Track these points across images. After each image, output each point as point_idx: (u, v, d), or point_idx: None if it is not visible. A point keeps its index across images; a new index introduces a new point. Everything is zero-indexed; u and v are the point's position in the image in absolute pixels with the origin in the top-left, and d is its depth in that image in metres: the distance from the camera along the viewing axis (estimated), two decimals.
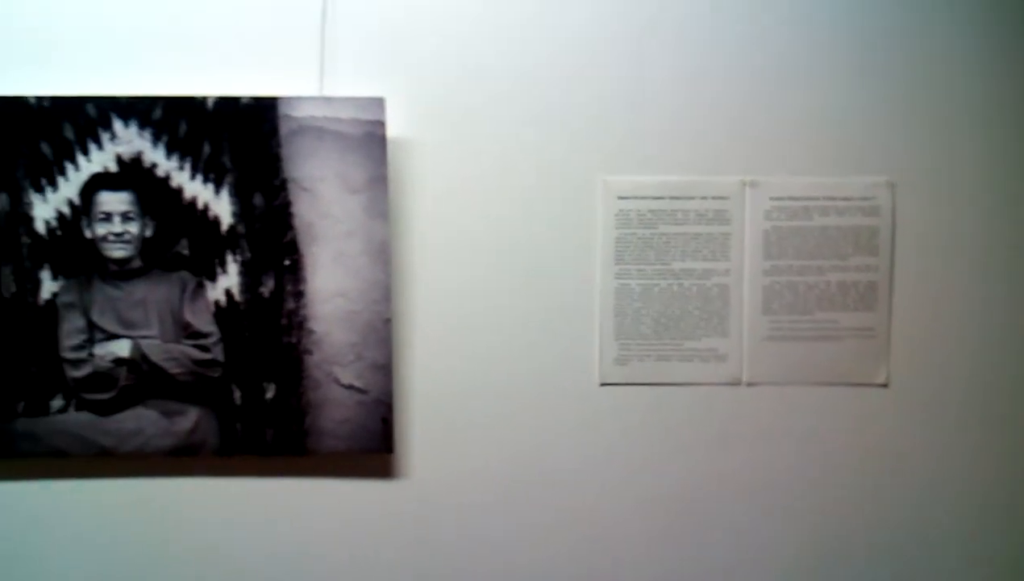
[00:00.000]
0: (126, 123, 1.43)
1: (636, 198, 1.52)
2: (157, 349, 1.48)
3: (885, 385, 1.57)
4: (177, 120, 1.44)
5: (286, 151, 1.45)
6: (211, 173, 1.46)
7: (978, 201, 1.54)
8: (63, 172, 1.44)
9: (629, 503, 1.57)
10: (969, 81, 1.53)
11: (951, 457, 1.59)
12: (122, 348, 1.48)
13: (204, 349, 1.49)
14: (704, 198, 1.52)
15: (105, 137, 1.44)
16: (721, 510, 1.57)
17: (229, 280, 1.48)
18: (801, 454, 1.57)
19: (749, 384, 1.55)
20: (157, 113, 1.44)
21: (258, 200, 1.47)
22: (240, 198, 1.46)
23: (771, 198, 1.53)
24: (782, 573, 1.59)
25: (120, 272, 1.47)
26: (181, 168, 1.45)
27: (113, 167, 1.44)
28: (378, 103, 1.45)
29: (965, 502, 1.59)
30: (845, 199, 1.54)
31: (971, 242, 1.55)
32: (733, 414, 1.56)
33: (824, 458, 1.58)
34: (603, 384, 1.55)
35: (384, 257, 1.48)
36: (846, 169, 1.54)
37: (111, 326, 1.48)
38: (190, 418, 1.50)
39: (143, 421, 1.49)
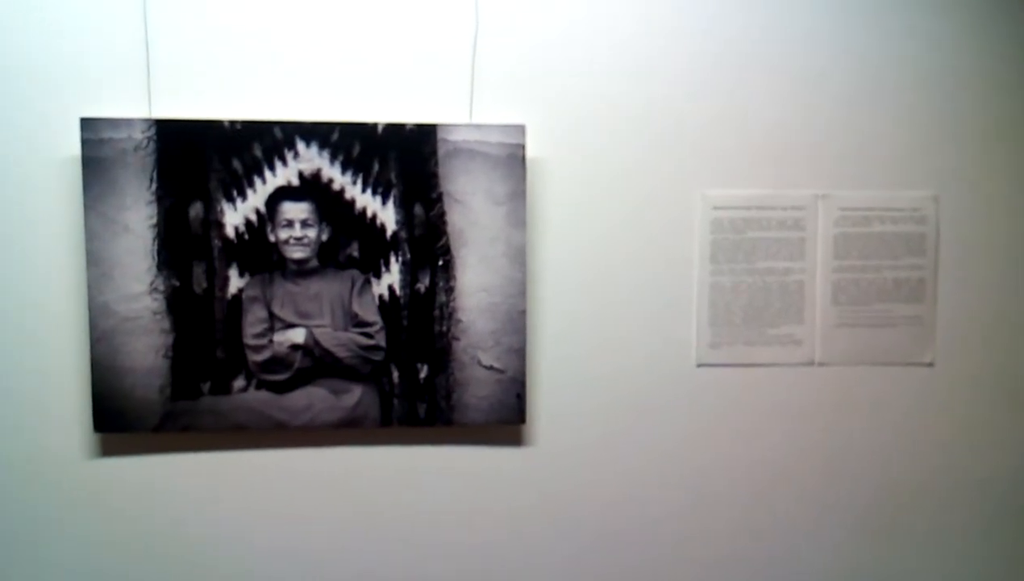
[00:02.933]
0: (308, 144, 1.69)
1: (728, 208, 1.81)
2: (328, 336, 1.73)
3: (931, 364, 1.88)
4: (352, 142, 1.70)
5: (442, 169, 1.72)
6: (379, 187, 1.71)
7: (1011, 210, 1.87)
8: (252, 185, 1.69)
9: (722, 468, 1.85)
10: (1004, 104, 1.85)
11: (984, 425, 1.90)
12: (298, 335, 1.72)
13: (368, 336, 1.74)
14: (784, 209, 1.82)
15: (289, 156, 1.69)
16: (798, 474, 1.87)
17: (391, 277, 1.74)
18: (863, 422, 1.87)
19: (821, 364, 1.85)
20: (335, 136, 1.69)
21: (418, 210, 1.73)
22: (403, 208, 1.72)
23: (839, 209, 1.83)
24: (850, 528, 1.89)
25: (299, 270, 1.72)
26: (354, 183, 1.71)
27: (295, 181, 1.69)
28: (519, 129, 1.72)
29: (990, 459, 1.91)
30: (898, 210, 1.85)
31: (1004, 244, 1.87)
32: (807, 390, 1.86)
33: (881, 426, 1.88)
34: (699, 365, 1.83)
35: (521, 258, 1.75)
36: (899, 184, 1.85)
37: (289, 317, 1.72)
38: (354, 395, 1.75)
39: (314, 398, 1.74)
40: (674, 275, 1.81)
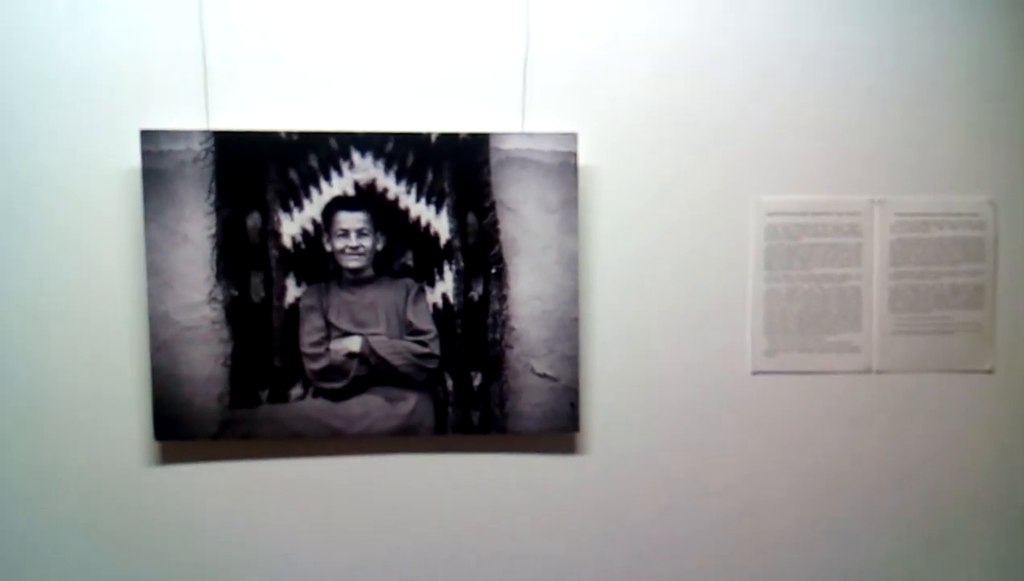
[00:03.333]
0: (363, 154, 1.70)
1: (783, 214, 1.79)
2: (384, 344, 1.74)
3: (991, 371, 1.85)
4: (406, 151, 1.71)
5: (495, 178, 1.72)
6: (433, 196, 1.72)
7: None
8: (308, 195, 1.70)
9: (777, 476, 1.84)
10: None
11: None
12: (354, 344, 1.74)
13: (423, 344, 1.75)
14: (840, 214, 1.80)
15: (345, 166, 1.70)
16: (855, 483, 1.85)
17: (445, 286, 1.74)
18: (921, 431, 1.85)
19: (878, 372, 1.83)
20: (389, 146, 1.70)
21: (471, 219, 1.73)
22: (456, 217, 1.73)
23: (896, 214, 1.81)
24: (906, 537, 1.86)
25: (354, 279, 1.73)
26: (408, 192, 1.72)
27: (351, 191, 1.71)
28: (572, 137, 1.72)
29: None
30: (956, 215, 1.82)
31: None
32: (864, 398, 1.83)
33: (939, 434, 1.85)
34: (755, 373, 1.82)
35: (574, 266, 1.74)
36: (956, 189, 1.82)
37: (345, 325, 1.74)
38: (409, 403, 1.76)
39: (369, 406, 1.75)
40: (728, 282, 1.80)
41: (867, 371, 1.83)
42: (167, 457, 1.74)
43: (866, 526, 1.86)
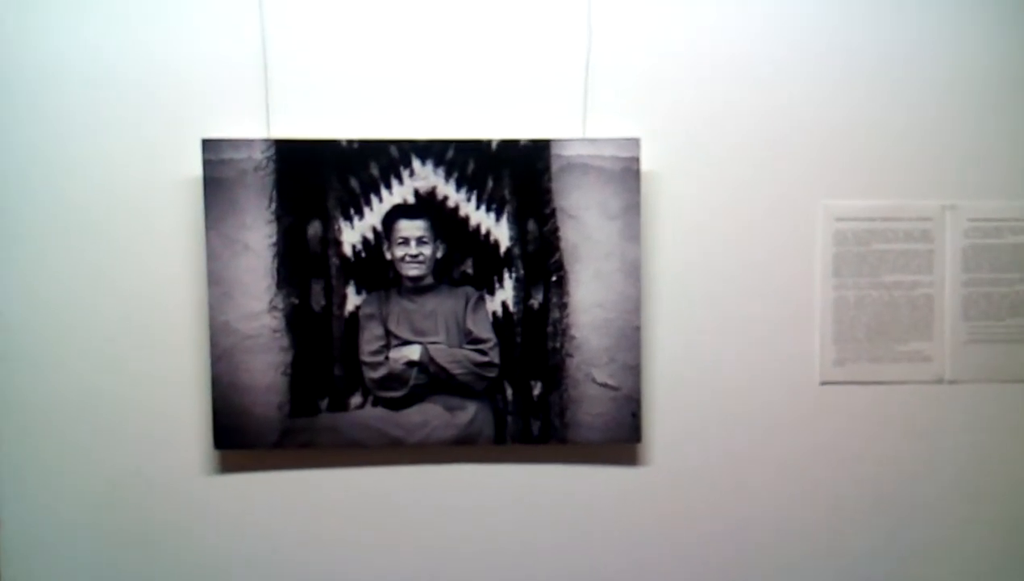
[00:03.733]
0: (423, 162, 1.69)
1: (852, 220, 1.74)
2: (443, 353, 1.72)
3: None
4: (466, 159, 1.69)
5: (556, 184, 1.70)
6: (493, 204, 1.70)
7: None
8: (368, 203, 1.70)
9: (847, 489, 1.78)
10: None
11: None
12: (414, 352, 1.72)
13: (483, 353, 1.73)
14: (910, 219, 1.75)
15: (405, 174, 1.69)
16: (929, 496, 1.79)
17: (505, 294, 1.72)
18: (996, 442, 1.78)
19: (951, 382, 1.77)
20: (450, 153, 1.69)
21: (531, 226, 1.71)
22: (517, 224, 1.71)
23: (968, 220, 1.75)
24: (986, 552, 1.79)
25: (414, 288, 1.72)
26: (468, 199, 1.70)
27: (411, 199, 1.69)
28: (634, 143, 1.69)
29: None
30: None
31: None
32: (937, 409, 1.77)
33: (1015, 446, 1.79)
34: (823, 383, 1.77)
35: (635, 274, 1.71)
36: None
37: (405, 334, 1.72)
38: (469, 412, 1.74)
39: (429, 415, 1.73)
40: (795, 289, 1.75)
41: (939, 381, 1.77)
42: (227, 466, 1.74)
43: (940, 542, 1.80)
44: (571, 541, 1.77)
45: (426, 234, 1.70)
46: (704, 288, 1.75)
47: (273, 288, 1.68)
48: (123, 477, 1.73)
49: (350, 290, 1.70)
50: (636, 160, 1.69)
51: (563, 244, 1.71)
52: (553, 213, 1.70)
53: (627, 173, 1.69)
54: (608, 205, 1.70)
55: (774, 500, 1.78)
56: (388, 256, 1.70)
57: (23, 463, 1.71)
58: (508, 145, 1.69)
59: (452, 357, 1.72)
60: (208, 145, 1.66)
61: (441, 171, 1.69)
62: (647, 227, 1.73)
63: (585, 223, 1.71)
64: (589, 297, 1.72)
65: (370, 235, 1.70)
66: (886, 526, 1.79)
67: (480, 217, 1.70)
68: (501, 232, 1.71)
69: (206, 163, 1.66)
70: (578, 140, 1.69)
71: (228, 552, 1.74)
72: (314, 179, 1.67)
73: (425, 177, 1.69)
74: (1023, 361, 1.77)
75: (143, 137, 1.69)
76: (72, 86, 1.67)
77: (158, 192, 1.69)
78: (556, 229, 1.71)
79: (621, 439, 1.73)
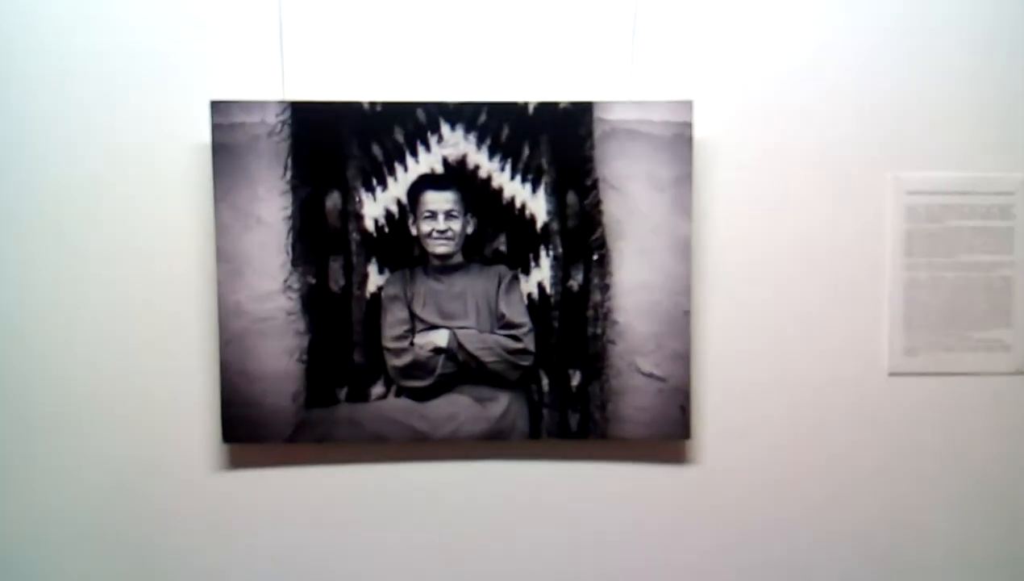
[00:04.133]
0: (453, 127, 1.53)
1: (925, 193, 1.58)
2: (473, 338, 1.57)
3: None
4: (500, 124, 1.54)
5: (599, 152, 1.54)
6: (529, 174, 1.55)
7: None
8: (392, 173, 1.54)
9: (917, 489, 1.62)
10: None
11: None
12: (441, 338, 1.57)
13: (516, 339, 1.57)
14: (989, 194, 1.58)
15: (433, 140, 1.54)
16: (1006, 496, 1.62)
17: (541, 274, 1.57)
18: None
19: None
20: (482, 117, 1.53)
21: (571, 198, 1.55)
22: (555, 197, 1.55)
23: None
24: None
25: (442, 266, 1.56)
26: (502, 169, 1.54)
27: (439, 168, 1.54)
28: (686, 106, 1.53)
29: None
30: None
31: None
32: (1016, 402, 1.61)
33: None
34: (892, 374, 1.60)
35: (686, 252, 1.55)
36: None
37: (431, 317, 1.57)
38: (501, 404, 1.58)
39: (457, 406, 1.58)
40: (862, 270, 1.59)
41: (1019, 373, 1.60)
42: (236, 461, 1.59)
43: (1019, 547, 1.63)
44: (612, 546, 1.61)
45: (455, 207, 1.55)
46: (761, 268, 1.59)
47: (288, 266, 1.53)
48: (125, 472, 1.58)
49: (372, 269, 1.55)
50: (688, 125, 1.53)
51: (606, 219, 1.55)
52: (595, 184, 1.55)
53: (678, 140, 1.54)
54: (657, 175, 1.54)
55: (835, 502, 1.62)
56: (414, 231, 1.55)
57: (19, 458, 1.56)
58: (546, 108, 1.53)
59: (483, 343, 1.57)
60: (217, 107, 1.51)
61: (472, 137, 1.53)
62: (699, 200, 1.57)
63: (631, 195, 1.55)
64: (634, 278, 1.56)
65: (394, 208, 1.55)
66: (958, 533, 1.63)
67: (515, 188, 1.55)
68: (538, 205, 1.55)
69: (215, 128, 1.51)
70: (624, 102, 1.53)
71: (237, 554, 1.59)
72: (333, 146, 1.52)
73: (455, 144, 1.54)
74: None
75: (145, 99, 1.54)
76: (69, 40, 1.52)
77: (162, 160, 1.55)
78: (598, 202, 1.55)
79: (668, 435, 1.58)
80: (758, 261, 1.59)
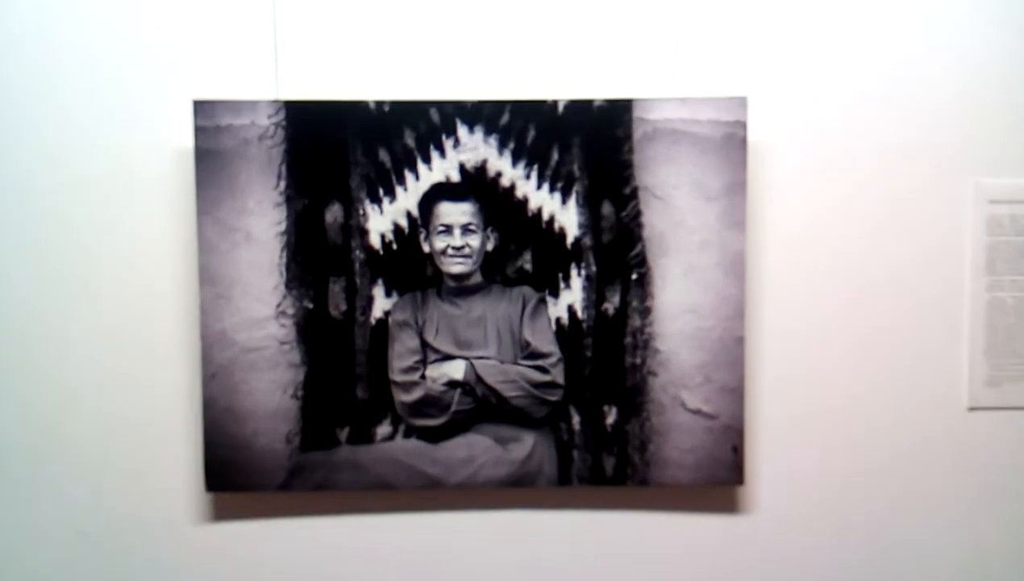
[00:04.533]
0: (471, 129, 1.34)
1: (1010, 202, 1.39)
2: (494, 370, 1.37)
3: None
4: (525, 125, 1.35)
5: (639, 157, 1.35)
6: (558, 182, 1.36)
7: None
8: (402, 181, 1.35)
9: (1002, 538, 1.42)
10: None
11: None
12: (457, 370, 1.37)
13: (543, 370, 1.38)
14: None
15: (448, 144, 1.35)
16: None
17: (572, 296, 1.37)
18: None
19: None
20: (504, 118, 1.34)
21: (607, 209, 1.36)
22: (588, 208, 1.36)
23: None
24: None
25: (458, 288, 1.37)
26: (527, 177, 1.36)
27: (456, 176, 1.35)
28: (740, 103, 1.34)
29: None
30: None
31: None
32: None
33: None
34: (971, 408, 1.41)
35: (739, 270, 1.36)
36: None
37: (446, 346, 1.38)
38: (525, 445, 1.39)
39: (475, 449, 1.38)
40: (938, 291, 1.40)
41: None
42: (221, 512, 1.39)
43: None
44: None
45: (474, 220, 1.35)
46: (823, 289, 1.40)
47: (282, 288, 1.34)
48: (92, 525, 1.38)
49: (378, 291, 1.36)
50: (742, 125, 1.34)
51: (647, 232, 1.36)
52: (634, 193, 1.36)
53: (730, 142, 1.34)
54: (705, 183, 1.35)
55: (909, 556, 1.42)
56: (426, 248, 1.36)
57: None
58: (579, 107, 1.34)
59: (505, 375, 1.37)
60: (201, 108, 1.32)
61: (493, 141, 1.34)
62: (754, 211, 1.38)
63: (675, 206, 1.36)
64: (679, 300, 1.37)
65: (404, 222, 1.36)
66: None
67: (542, 199, 1.36)
68: (568, 218, 1.36)
69: (198, 131, 1.32)
70: (668, 100, 1.35)
71: None
72: (334, 151, 1.34)
73: (474, 148, 1.35)
74: None
75: (118, 99, 1.35)
76: (33, 30, 1.33)
77: (138, 168, 1.36)
78: (638, 213, 1.36)
79: (718, 480, 1.38)
80: (820, 281, 1.40)
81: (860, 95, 1.38)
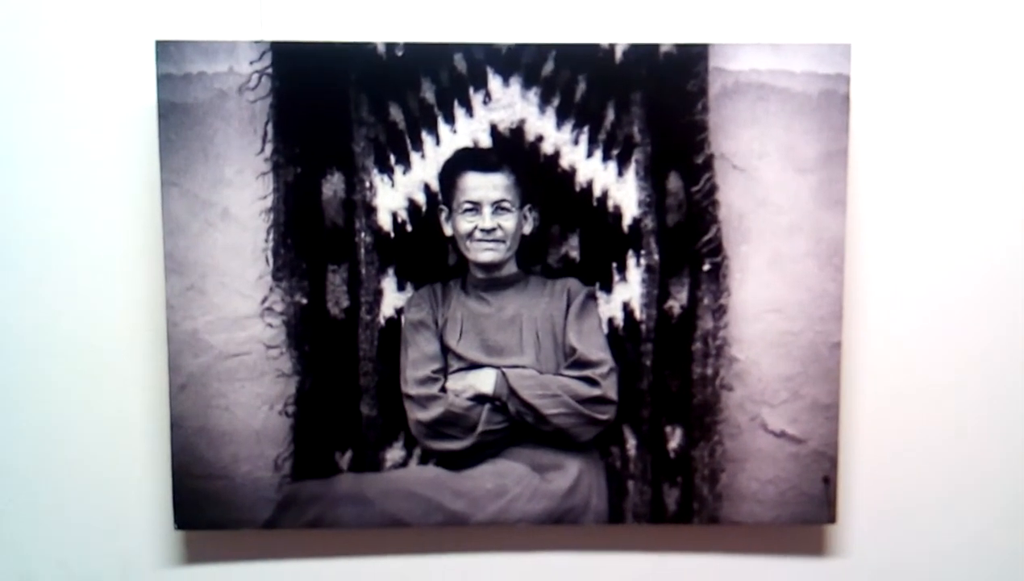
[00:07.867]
0: (506, 81, 1.08)
1: None
2: (530, 382, 1.12)
3: None
4: (573, 76, 1.08)
5: (715, 117, 1.09)
6: (614, 149, 1.10)
7: None
8: (418, 146, 1.09)
9: None
10: None
11: None
12: (485, 381, 1.12)
13: (592, 382, 1.12)
14: None
15: (477, 99, 1.08)
16: None
17: (629, 290, 1.12)
18: None
19: None
20: (548, 67, 1.08)
21: (673, 184, 1.10)
22: (651, 181, 1.10)
23: None
24: None
25: (488, 280, 1.12)
26: (575, 141, 1.09)
27: (486, 140, 1.09)
28: (842, 52, 1.08)
29: None
30: None
31: None
32: None
33: None
34: None
35: (837, 260, 1.11)
36: None
37: (471, 352, 1.12)
38: (569, 474, 1.14)
39: (507, 478, 1.14)
40: None
41: None
42: (194, 554, 1.16)
43: None
44: None
45: (508, 196, 1.09)
46: (942, 285, 1.15)
47: (268, 279, 1.10)
48: (38, 573, 1.13)
49: (388, 283, 1.11)
50: (845, 79, 1.08)
51: (723, 212, 1.10)
52: (709, 162, 1.10)
53: (829, 100, 1.08)
54: (797, 150, 1.09)
55: None
56: (448, 230, 1.10)
57: None
58: (641, 53, 1.08)
59: (545, 389, 1.12)
60: (165, 50, 1.05)
61: (533, 96, 1.08)
62: (857, 188, 1.12)
63: (759, 179, 1.10)
64: (762, 296, 1.12)
65: (420, 197, 1.10)
66: None
67: (593, 169, 1.10)
68: (626, 193, 1.10)
69: (162, 80, 1.05)
70: (753, 45, 1.08)
71: None
72: (333, 107, 1.08)
73: (509, 105, 1.08)
74: None
75: (62, 41, 1.09)
76: None
77: (86, 128, 1.10)
78: (713, 188, 1.10)
79: (806, 518, 1.14)
80: (937, 275, 1.15)
81: (994, 47, 1.11)
